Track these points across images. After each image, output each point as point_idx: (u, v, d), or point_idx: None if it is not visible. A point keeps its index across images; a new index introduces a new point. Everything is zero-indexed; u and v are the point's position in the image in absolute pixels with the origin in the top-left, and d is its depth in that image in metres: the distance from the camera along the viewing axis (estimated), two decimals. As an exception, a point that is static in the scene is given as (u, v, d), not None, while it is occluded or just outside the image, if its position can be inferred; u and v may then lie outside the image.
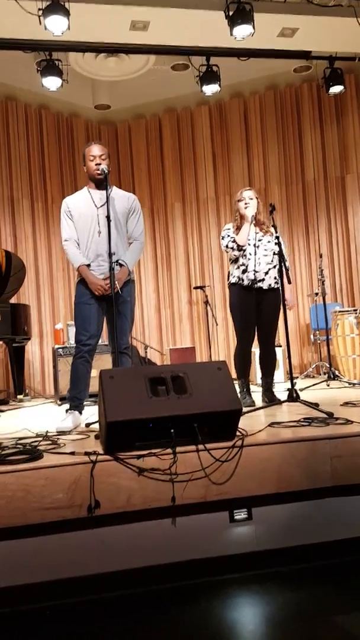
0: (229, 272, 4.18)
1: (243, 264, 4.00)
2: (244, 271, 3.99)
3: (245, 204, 4.04)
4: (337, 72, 6.44)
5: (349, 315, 5.82)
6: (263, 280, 3.98)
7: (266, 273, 3.99)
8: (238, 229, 4.05)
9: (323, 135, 7.40)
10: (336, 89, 6.48)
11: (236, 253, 4.02)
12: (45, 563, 2.32)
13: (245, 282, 3.98)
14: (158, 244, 7.80)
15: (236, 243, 3.98)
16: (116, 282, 3.34)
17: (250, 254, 3.97)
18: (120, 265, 3.47)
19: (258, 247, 3.97)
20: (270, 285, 4.00)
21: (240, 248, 3.98)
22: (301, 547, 2.53)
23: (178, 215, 7.76)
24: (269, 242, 4.04)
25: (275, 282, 4.02)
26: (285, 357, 6.12)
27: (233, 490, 2.46)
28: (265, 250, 4.02)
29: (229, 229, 4.12)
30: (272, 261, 4.02)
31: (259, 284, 3.96)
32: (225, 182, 7.60)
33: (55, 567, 2.33)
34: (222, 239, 4.12)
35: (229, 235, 4.06)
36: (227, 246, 4.05)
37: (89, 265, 3.49)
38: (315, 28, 5.59)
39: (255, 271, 3.93)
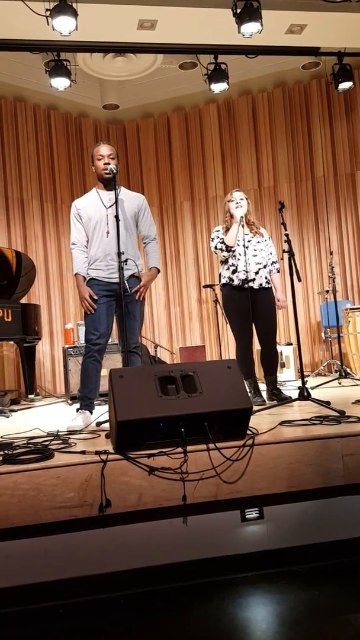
0: (220, 274, 4.19)
1: (233, 265, 4.03)
2: (234, 271, 4.01)
3: (237, 204, 4.05)
4: (346, 68, 6.39)
5: (360, 312, 5.78)
6: (254, 280, 3.99)
7: (256, 273, 4.00)
8: (228, 230, 4.07)
9: (332, 131, 7.35)
10: (345, 85, 6.43)
11: (225, 254, 4.06)
12: (57, 562, 2.33)
13: (236, 282, 4.00)
14: (167, 243, 7.80)
15: (225, 244, 4.01)
16: (125, 282, 3.36)
17: (239, 255, 3.99)
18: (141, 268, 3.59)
19: (247, 247, 4.00)
20: (261, 284, 4.02)
21: (229, 249, 4.01)
22: (313, 545, 2.52)
23: (187, 213, 7.76)
24: (258, 242, 4.08)
25: (267, 282, 4.04)
26: (296, 355, 6.11)
27: (244, 489, 2.46)
28: (255, 250, 4.04)
29: (218, 230, 4.16)
30: (261, 261, 4.04)
31: (250, 284, 3.97)
32: (234, 180, 7.58)
33: (67, 566, 2.34)
34: (212, 240, 4.16)
35: (218, 237, 4.10)
36: (216, 247, 4.10)
37: (90, 278, 3.53)
38: (323, 24, 5.56)
39: (246, 271, 3.94)
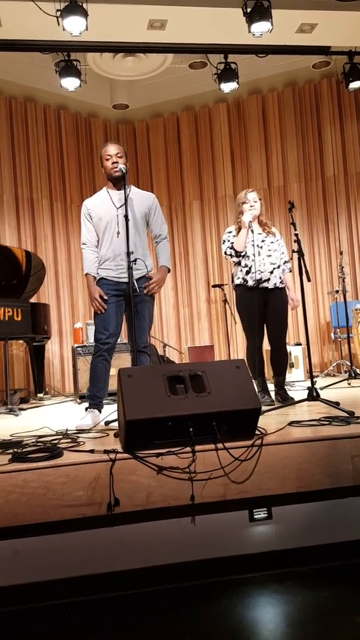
0: (232, 274, 4.19)
1: (246, 265, 4.02)
2: (248, 272, 4.00)
3: (251, 206, 4.04)
4: (357, 67, 6.35)
5: (370, 313, 5.75)
6: (268, 280, 3.98)
7: (271, 272, 3.99)
8: (240, 230, 4.06)
9: (343, 131, 7.32)
10: (356, 84, 6.39)
11: (235, 259, 4.05)
12: (65, 560, 2.34)
13: (250, 283, 3.99)
14: (176, 243, 7.80)
15: (234, 249, 4.00)
16: (134, 282, 3.36)
17: (253, 255, 3.98)
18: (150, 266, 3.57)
19: (262, 247, 3.98)
20: (275, 284, 4.00)
21: (238, 254, 4.00)
22: (321, 546, 2.51)
23: (196, 213, 7.75)
24: (272, 242, 4.06)
25: (281, 282, 4.04)
26: (306, 356, 6.09)
27: (253, 489, 2.45)
28: (269, 250, 4.02)
29: (230, 232, 4.14)
30: (275, 261, 4.02)
31: (264, 284, 3.96)
32: (243, 180, 7.57)
33: (74, 565, 2.34)
34: (223, 243, 4.15)
35: (229, 240, 4.09)
36: (225, 252, 4.10)
37: (100, 277, 3.54)
38: (334, 23, 5.54)
39: (260, 271, 3.93)
